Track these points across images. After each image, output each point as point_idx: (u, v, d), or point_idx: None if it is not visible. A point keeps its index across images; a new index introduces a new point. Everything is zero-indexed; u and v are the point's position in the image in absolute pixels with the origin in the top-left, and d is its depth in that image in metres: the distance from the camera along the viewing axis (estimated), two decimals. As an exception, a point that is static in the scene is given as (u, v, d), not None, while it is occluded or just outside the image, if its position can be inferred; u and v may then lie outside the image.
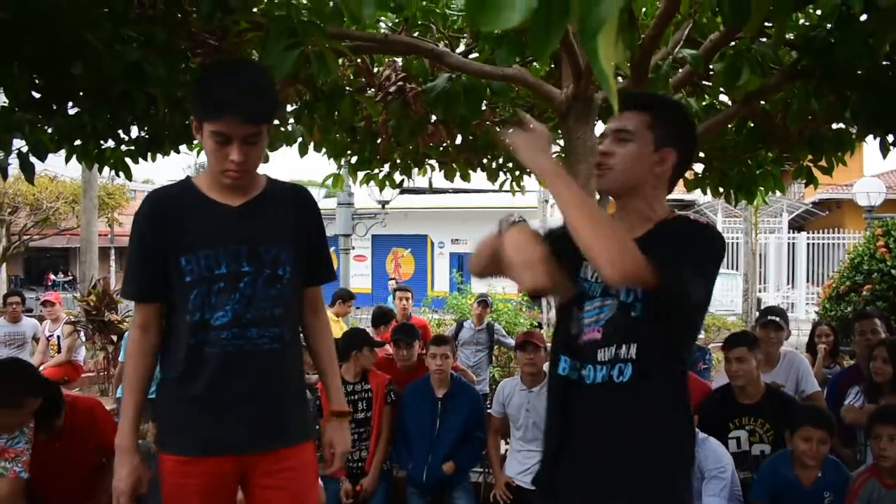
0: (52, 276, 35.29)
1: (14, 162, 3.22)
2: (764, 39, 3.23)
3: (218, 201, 2.03)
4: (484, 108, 4.03)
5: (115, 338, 6.85)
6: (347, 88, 3.69)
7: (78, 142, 3.54)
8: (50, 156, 3.41)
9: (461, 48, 3.79)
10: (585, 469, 1.80)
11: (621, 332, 1.73)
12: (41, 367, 6.70)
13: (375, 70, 3.79)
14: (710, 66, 3.28)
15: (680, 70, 3.34)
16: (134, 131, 3.74)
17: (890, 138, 3.40)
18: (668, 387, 1.74)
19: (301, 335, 2.26)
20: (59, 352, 6.93)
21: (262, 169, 2.16)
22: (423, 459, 4.01)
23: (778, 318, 4.33)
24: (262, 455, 2.07)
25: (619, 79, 3.88)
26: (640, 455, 1.73)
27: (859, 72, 3.08)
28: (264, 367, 2.04)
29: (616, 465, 1.75)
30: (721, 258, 1.77)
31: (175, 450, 2.04)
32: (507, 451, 4.23)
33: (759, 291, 16.69)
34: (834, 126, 3.89)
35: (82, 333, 7.00)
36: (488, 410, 4.38)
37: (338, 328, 6.41)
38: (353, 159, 4.78)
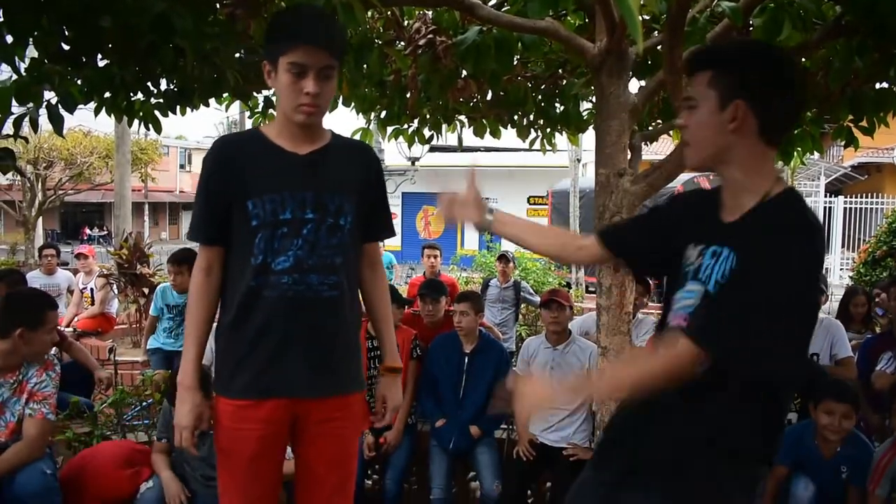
0: (87, 231, 35.92)
1: (45, 114, 3.23)
2: (806, -7, 3.10)
3: (285, 149, 2.07)
4: (515, 63, 3.95)
5: (146, 291, 6.94)
6: (377, 41, 3.64)
7: (107, 94, 3.55)
8: (83, 111, 3.43)
9: (493, 1, 3.71)
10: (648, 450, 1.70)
11: None
12: (76, 319, 6.85)
13: (405, 23, 3.73)
14: (750, 21, 3.17)
15: (718, 24, 3.23)
16: (163, 84, 3.74)
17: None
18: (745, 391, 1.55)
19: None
20: (92, 304, 7.08)
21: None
22: (450, 414, 4.05)
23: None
24: (317, 401, 2.11)
25: (655, 33, 3.79)
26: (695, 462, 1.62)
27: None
28: (322, 313, 2.08)
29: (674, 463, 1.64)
30: (815, 261, 1.53)
31: (234, 393, 2.08)
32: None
33: (793, 255, 16.39)
34: (877, 85, 3.76)
35: (115, 286, 7.12)
36: (514, 368, 4.39)
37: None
38: (382, 114, 4.73)
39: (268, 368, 2.06)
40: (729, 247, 1.58)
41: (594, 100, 4.41)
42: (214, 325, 2.18)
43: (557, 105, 4.77)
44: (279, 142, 2.07)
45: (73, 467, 3.30)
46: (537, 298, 6.59)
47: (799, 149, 4.59)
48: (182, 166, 43.16)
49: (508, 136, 5.17)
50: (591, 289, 13.06)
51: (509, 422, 4.27)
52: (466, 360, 4.13)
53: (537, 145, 5.21)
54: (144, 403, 4.16)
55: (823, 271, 5.48)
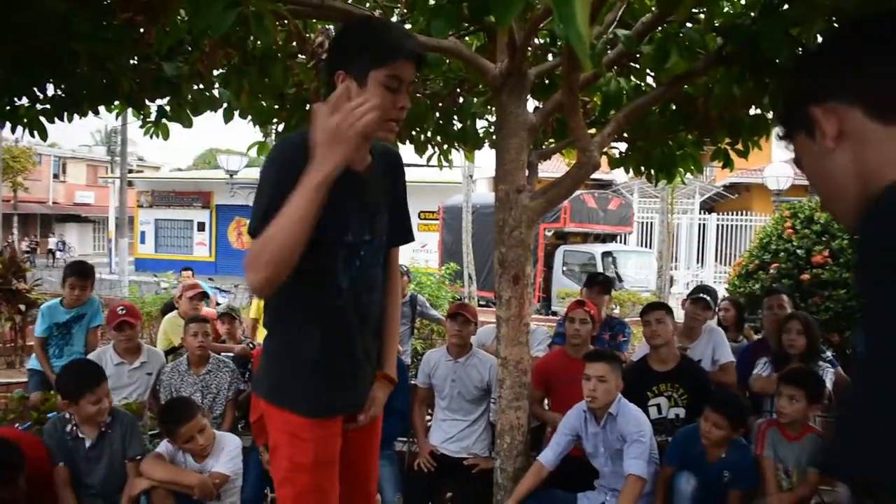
0: (-53, 243, 33.37)
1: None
2: (691, 25, 3.31)
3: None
4: (416, 80, 4.00)
5: (23, 307, 6.53)
6: (278, 54, 3.61)
7: (-11, 99, 3.36)
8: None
9: (395, 18, 3.75)
10: None
11: None
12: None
13: (308, 36, 3.71)
14: (639, 48, 3.35)
15: (612, 50, 3.40)
16: (50, 90, 3.57)
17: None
18: None
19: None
20: (-39, 321, 6.60)
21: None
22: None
23: (708, 298, 4.87)
24: None
25: (550, 57, 3.94)
26: None
27: (778, 60, 3.21)
28: None
29: None
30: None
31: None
32: (430, 420, 4.28)
33: (671, 269, 17.27)
34: (752, 111, 4.04)
35: (-13, 302, 6.67)
36: (412, 381, 4.42)
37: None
38: (280, 127, 4.67)
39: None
40: None
41: (491, 118, 4.53)
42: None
43: (455, 122, 4.85)
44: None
45: None
46: (435, 312, 6.66)
47: (681, 169, 4.87)
48: (56, 176, 40.54)
49: (403, 150, 5.21)
50: (483, 303, 13.31)
51: (408, 434, 4.30)
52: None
53: (434, 161, 5.29)
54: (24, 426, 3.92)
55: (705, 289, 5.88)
